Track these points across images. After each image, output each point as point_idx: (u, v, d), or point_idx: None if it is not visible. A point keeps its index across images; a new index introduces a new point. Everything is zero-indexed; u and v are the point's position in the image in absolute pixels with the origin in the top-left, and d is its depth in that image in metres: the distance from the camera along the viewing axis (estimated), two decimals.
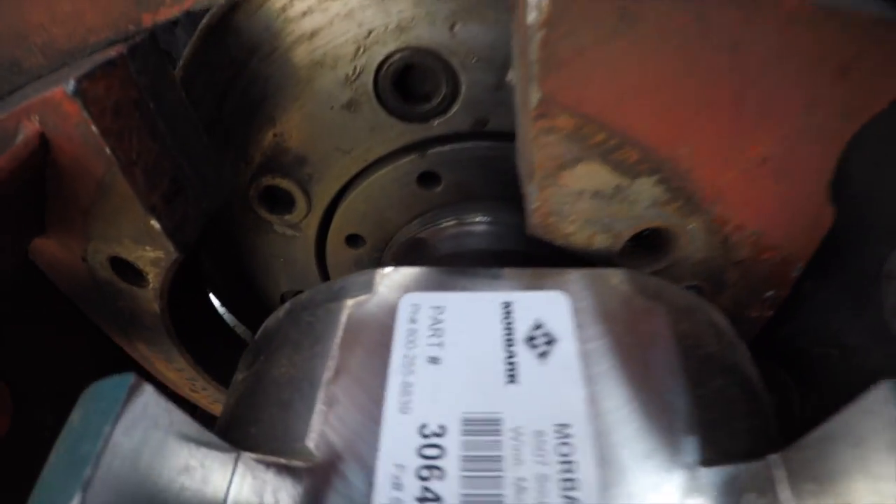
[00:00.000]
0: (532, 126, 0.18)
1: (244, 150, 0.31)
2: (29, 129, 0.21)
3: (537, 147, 0.19)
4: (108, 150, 0.21)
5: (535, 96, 0.17)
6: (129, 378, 0.13)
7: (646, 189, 0.19)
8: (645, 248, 0.22)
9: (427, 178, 0.31)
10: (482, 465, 0.14)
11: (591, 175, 0.19)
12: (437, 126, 0.29)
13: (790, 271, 0.22)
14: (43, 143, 0.21)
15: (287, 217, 0.33)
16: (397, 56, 0.27)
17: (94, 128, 0.21)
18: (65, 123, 0.21)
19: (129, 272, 0.28)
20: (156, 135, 0.24)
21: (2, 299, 0.30)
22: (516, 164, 0.23)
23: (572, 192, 0.20)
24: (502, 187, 0.30)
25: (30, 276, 0.32)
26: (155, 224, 0.24)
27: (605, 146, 0.18)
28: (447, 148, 0.30)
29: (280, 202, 0.33)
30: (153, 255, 0.26)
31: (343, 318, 0.19)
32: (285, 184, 0.32)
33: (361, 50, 0.27)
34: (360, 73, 0.28)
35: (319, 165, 0.31)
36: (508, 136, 0.26)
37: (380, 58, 0.27)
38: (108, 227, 0.25)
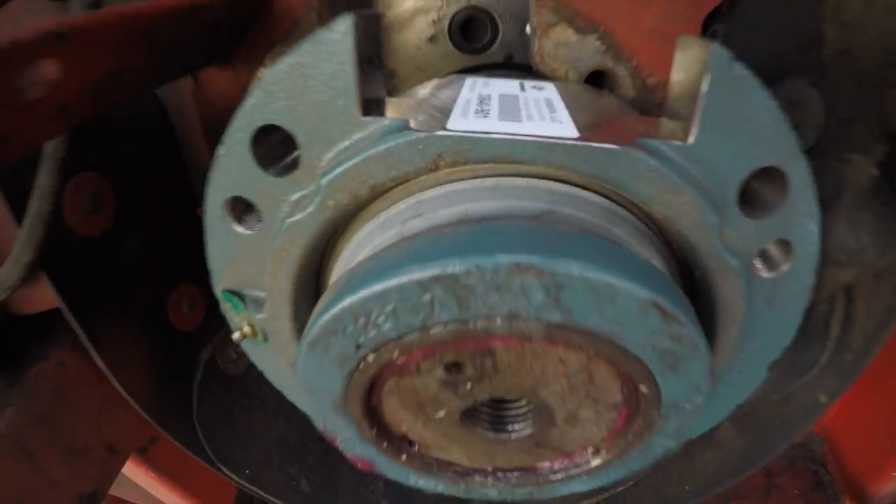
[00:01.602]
0: (534, 5, 0.36)
1: None
2: None
3: (536, 16, 0.36)
4: None
5: None
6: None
7: (592, 43, 0.36)
8: (598, 85, 0.38)
9: None
10: (510, 106, 0.29)
11: (563, 33, 0.36)
12: (482, 57, 0.47)
13: None
14: None
15: None
16: (464, 11, 0.46)
17: None
18: None
19: None
20: None
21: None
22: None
23: (554, 43, 0.36)
24: None
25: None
26: None
27: (568, 15, 0.35)
28: (487, 72, 0.48)
29: None
30: None
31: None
32: None
33: (444, 5, 0.46)
34: (441, 19, 0.46)
35: (403, 79, 0.49)
36: (526, 68, 0.43)
37: (453, 11, 0.46)
38: None
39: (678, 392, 0.23)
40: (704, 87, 0.22)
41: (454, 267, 0.20)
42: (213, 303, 0.32)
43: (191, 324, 0.45)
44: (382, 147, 0.24)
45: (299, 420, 0.50)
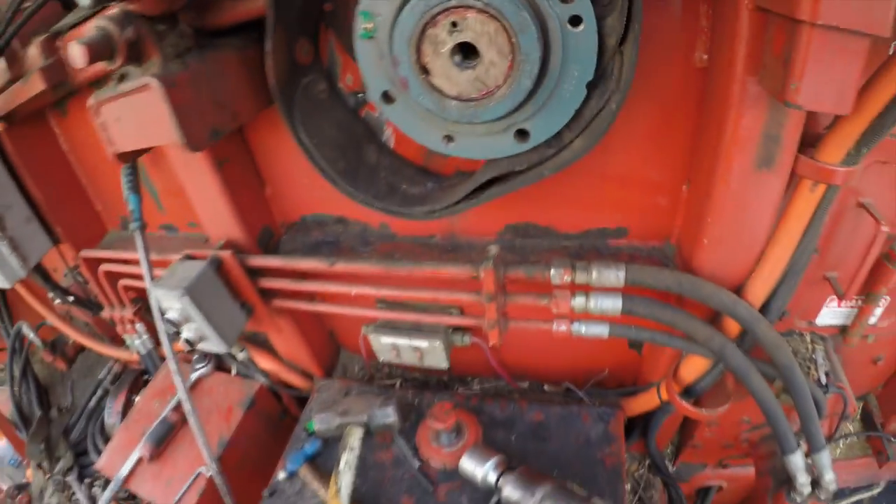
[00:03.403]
0: None
1: None
2: None
3: None
4: None
5: None
6: None
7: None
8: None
9: None
10: None
11: None
12: None
13: None
14: None
15: None
16: None
17: None
18: None
19: None
20: None
21: None
22: None
23: None
24: None
25: None
26: None
27: None
28: None
29: None
30: None
31: None
32: None
33: None
34: None
35: None
36: None
37: None
38: None
39: (527, 47, 0.65)
40: None
41: None
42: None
43: (307, 59, 0.87)
44: None
45: (344, 131, 0.91)
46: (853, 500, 1.64)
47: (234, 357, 1.39)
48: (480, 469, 0.94)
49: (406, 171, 0.93)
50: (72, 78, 1.05)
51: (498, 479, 0.91)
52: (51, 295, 1.80)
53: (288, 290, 1.09)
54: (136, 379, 1.76)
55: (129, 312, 1.61)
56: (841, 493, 1.64)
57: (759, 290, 0.89)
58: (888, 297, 1.04)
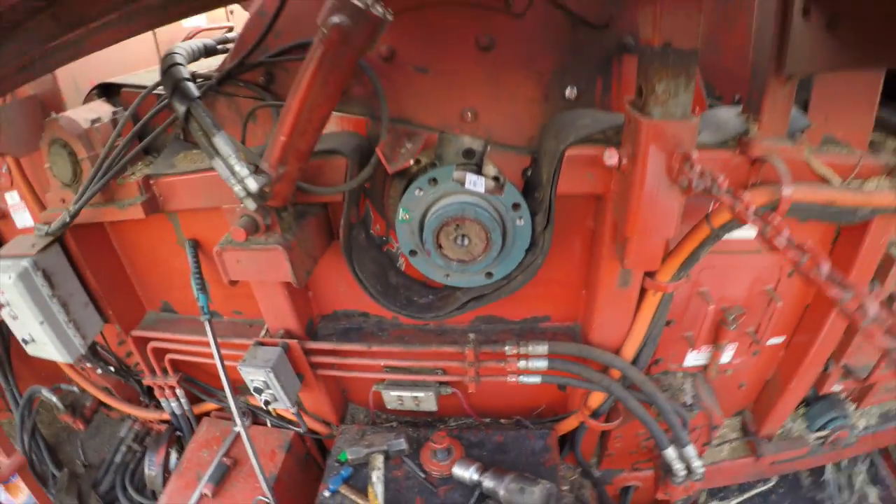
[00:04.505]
0: None
1: None
2: None
3: None
4: None
5: None
6: None
7: None
8: None
9: None
10: None
11: None
12: None
13: None
14: None
15: None
16: None
17: None
18: None
19: None
20: None
21: None
22: None
23: None
24: None
25: None
26: None
27: None
28: None
29: None
30: None
31: None
32: None
33: None
34: None
35: None
36: None
37: None
38: None
39: (495, 237, 1.24)
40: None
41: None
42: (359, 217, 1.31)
43: (355, 219, 1.42)
44: None
45: (376, 263, 1.47)
46: (753, 494, 2.29)
47: (270, 412, 1.86)
48: (467, 472, 1.49)
49: (415, 287, 1.49)
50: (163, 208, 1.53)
51: (479, 477, 1.47)
52: (90, 364, 2.17)
53: (329, 363, 1.61)
54: (171, 436, 2.16)
55: (172, 380, 2.04)
56: (743, 488, 2.29)
57: (629, 351, 1.52)
58: (735, 344, 1.67)
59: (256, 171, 1.13)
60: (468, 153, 1.29)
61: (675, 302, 1.55)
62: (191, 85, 1.11)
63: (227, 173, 1.11)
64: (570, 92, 1.32)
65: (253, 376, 1.50)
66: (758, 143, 1.14)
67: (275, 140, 1.11)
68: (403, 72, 1.32)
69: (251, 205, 1.17)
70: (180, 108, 1.09)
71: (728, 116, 1.24)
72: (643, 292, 1.44)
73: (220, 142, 1.09)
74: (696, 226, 1.26)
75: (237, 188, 1.11)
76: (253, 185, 1.10)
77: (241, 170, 1.09)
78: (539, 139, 1.34)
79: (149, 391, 2.22)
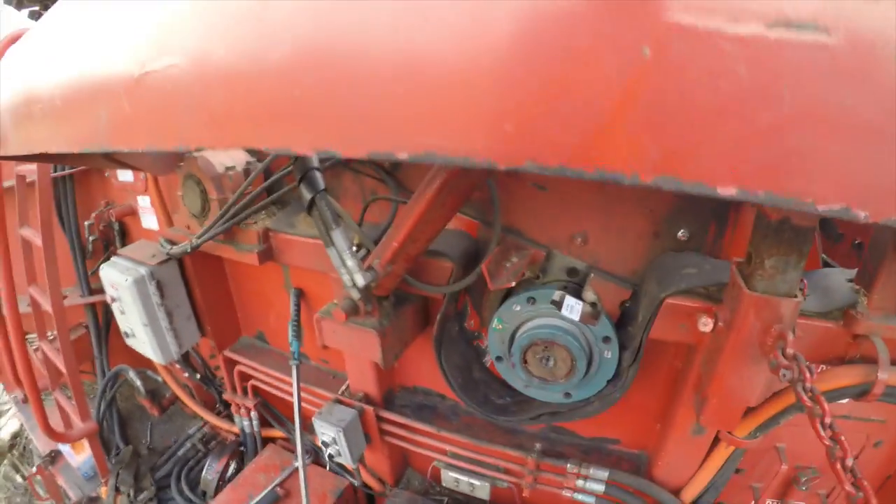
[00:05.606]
0: None
1: None
2: None
3: None
4: None
5: None
6: None
7: None
8: None
9: None
10: None
11: None
12: None
13: None
14: None
15: None
16: None
17: None
18: None
19: None
20: None
21: None
22: None
23: None
24: None
25: None
26: None
27: None
28: None
29: None
30: None
31: None
32: None
33: None
34: None
35: None
36: None
37: None
38: None
39: (580, 364, 1.28)
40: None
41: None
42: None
43: (450, 312, 1.50)
44: None
45: (462, 356, 1.54)
46: None
47: (331, 457, 1.96)
48: None
49: (494, 385, 1.55)
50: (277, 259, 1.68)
51: None
52: (178, 366, 2.36)
53: (397, 434, 1.70)
54: (235, 449, 2.32)
55: (250, 403, 2.19)
56: None
57: (690, 494, 1.50)
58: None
59: (366, 266, 1.23)
60: (572, 272, 1.34)
61: (749, 452, 1.51)
62: (318, 175, 1.19)
63: (339, 263, 1.20)
64: (681, 234, 1.35)
65: (324, 430, 1.61)
66: (864, 321, 1.11)
67: (387, 243, 1.21)
68: (522, 185, 1.40)
69: (356, 294, 1.27)
70: (306, 196, 1.17)
71: (838, 283, 1.22)
72: (717, 440, 1.42)
73: (338, 236, 1.18)
74: (783, 390, 1.25)
75: (346, 278, 1.21)
76: (361, 280, 1.19)
77: (352, 265, 1.19)
78: (643, 275, 1.38)
79: (226, 403, 2.39)
